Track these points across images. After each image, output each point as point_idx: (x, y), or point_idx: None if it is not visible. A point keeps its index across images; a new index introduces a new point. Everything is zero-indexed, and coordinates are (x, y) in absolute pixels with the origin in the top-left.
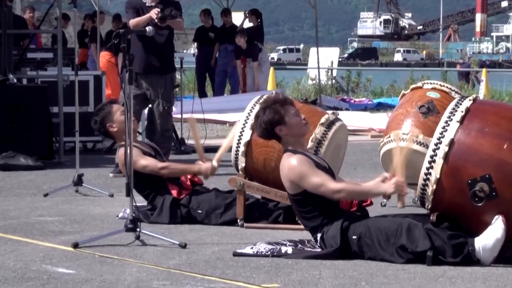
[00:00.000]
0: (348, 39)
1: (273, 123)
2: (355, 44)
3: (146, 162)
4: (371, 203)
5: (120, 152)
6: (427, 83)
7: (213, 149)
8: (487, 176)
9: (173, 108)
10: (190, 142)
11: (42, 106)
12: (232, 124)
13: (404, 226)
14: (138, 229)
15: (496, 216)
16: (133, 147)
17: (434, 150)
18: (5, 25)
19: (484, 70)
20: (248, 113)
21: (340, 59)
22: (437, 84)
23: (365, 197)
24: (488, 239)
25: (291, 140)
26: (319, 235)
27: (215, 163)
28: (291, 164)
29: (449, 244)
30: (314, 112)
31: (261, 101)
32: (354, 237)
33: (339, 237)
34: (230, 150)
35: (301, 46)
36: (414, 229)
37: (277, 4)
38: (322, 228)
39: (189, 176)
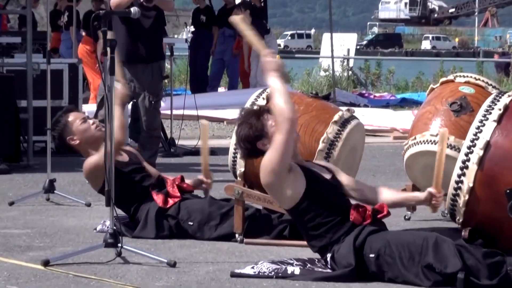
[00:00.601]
0: (368, 23)
1: (251, 140)
2: (375, 30)
3: (95, 156)
4: (388, 214)
5: (84, 166)
6: (460, 76)
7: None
8: None
9: (162, 103)
10: (181, 143)
11: (8, 99)
12: (230, 121)
13: (430, 241)
14: (119, 245)
15: None
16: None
17: (466, 155)
18: None
19: None
20: None
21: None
22: (471, 77)
23: (285, 90)
24: None
25: None
26: (329, 256)
27: (209, 180)
28: (261, 169)
29: (484, 263)
30: (326, 109)
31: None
32: (372, 255)
33: (353, 255)
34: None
35: (312, 31)
36: (442, 245)
37: None
38: (332, 246)
39: (176, 182)
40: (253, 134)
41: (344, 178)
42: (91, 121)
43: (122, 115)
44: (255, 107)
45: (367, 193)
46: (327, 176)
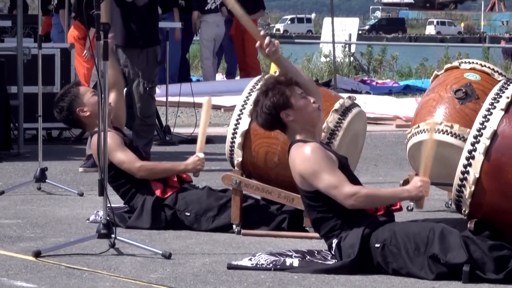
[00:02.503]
0: (370, 7)
1: (278, 107)
2: (378, 14)
3: (125, 157)
4: (401, 208)
5: (94, 140)
6: (465, 62)
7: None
8: None
9: (157, 90)
10: (177, 130)
11: None
12: (228, 109)
13: (436, 231)
14: (113, 235)
15: None
16: (112, 134)
17: (473, 144)
18: None
19: None
20: (246, 97)
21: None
22: (477, 63)
23: (384, 204)
24: None
25: (299, 128)
26: (335, 241)
27: (201, 154)
28: (305, 155)
29: (490, 256)
30: (326, 97)
31: (259, 84)
32: (377, 245)
33: (358, 246)
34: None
35: (313, 15)
36: (448, 236)
37: None
38: (340, 233)
39: None
40: (282, 102)
41: None
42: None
43: (167, 175)
44: (286, 77)
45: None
46: (345, 160)
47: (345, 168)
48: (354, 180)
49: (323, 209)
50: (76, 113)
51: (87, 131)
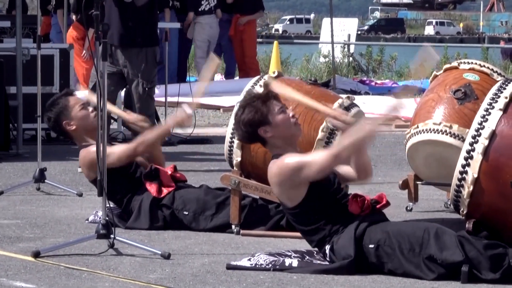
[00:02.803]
0: (369, 7)
1: (254, 124)
2: (377, 14)
3: (117, 151)
4: (388, 204)
5: (82, 154)
6: (464, 62)
7: (204, 140)
8: None
9: (156, 90)
10: (176, 130)
11: None
12: (226, 109)
13: (431, 232)
14: (112, 236)
15: None
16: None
17: (471, 144)
18: None
19: None
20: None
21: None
22: (476, 63)
23: (358, 143)
24: None
25: (279, 143)
26: (327, 247)
27: (188, 109)
28: (279, 165)
29: (485, 255)
30: (325, 97)
31: (239, 101)
32: (371, 245)
33: (353, 246)
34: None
35: (312, 15)
36: (443, 236)
37: None
38: (331, 238)
39: (169, 172)
40: (257, 119)
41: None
42: (90, 109)
43: (162, 137)
44: (261, 91)
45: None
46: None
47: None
48: (339, 185)
49: (310, 221)
50: (62, 125)
51: (76, 142)
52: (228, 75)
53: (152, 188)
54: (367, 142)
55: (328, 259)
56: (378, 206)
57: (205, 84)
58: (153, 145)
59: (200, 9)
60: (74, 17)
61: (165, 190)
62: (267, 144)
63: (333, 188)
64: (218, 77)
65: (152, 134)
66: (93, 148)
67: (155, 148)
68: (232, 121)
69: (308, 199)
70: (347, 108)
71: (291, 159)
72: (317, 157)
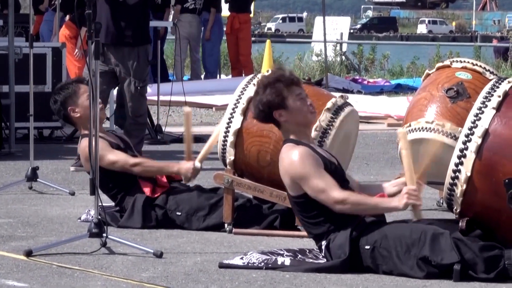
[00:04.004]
0: (362, 6)
1: (272, 106)
2: (370, 13)
3: (116, 157)
4: None
5: (83, 143)
6: (457, 61)
7: (196, 139)
8: None
9: (148, 89)
10: (168, 129)
11: None
12: (219, 108)
13: (428, 234)
14: (104, 235)
15: None
16: (99, 138)
17: (464, 143)
18: None
19: None
20: (239, 96)
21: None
22: (468, 62)
23: (372, 213)
24: None
25: (292, 128)
26: (324, 243)
27: (198, 164)
28: (292, 159)
29: (481, 256)
30: (318, 95)
31: (263, 76)
32: (367, 247)
33: (348, 246)
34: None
35: (304, 14)
36: (440, 238)
37: None
38: (329, 235)
39: None
40: (276, 102)
41: None
42: (99, 100)
43: (159, 174)
44: (288, 75)
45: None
46: (335, 161)
47: (334, 171)
48: (344, 182)
49: (312, 213)
50: (67, 110)
51: (77, 129)
52: (207, 74)
53: (146, 187)
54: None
55: (322, 254)
56: None
57: (191, 140)
58: (148, 176)
59: (184, 6)
60: (67, 17)
61: (159, 190)
62: (281, 127)
63: (341, 182)
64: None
65: (154, 167)
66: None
67: None
68: (226, 120)
69: None
70: (341, 107)
71: (307, 164)
72: (322, 187)
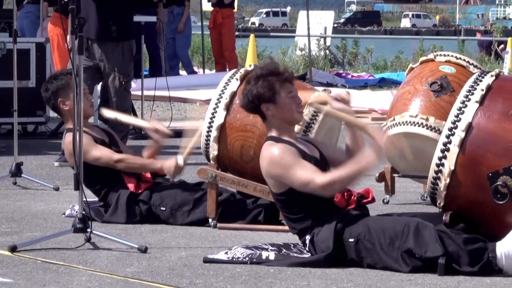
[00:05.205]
0: (345, 0)
1: (261, 99)
2: (353, 7)
3: (99, 153)
4: (373, 200)
5: (68, 138)
6: (440, 55)
7: (180, 134)
8: (511, 168)
9: (132, 84)
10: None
11: None
12: (203, 103)
13: (411, 226)
14: (88, 230)
15: None
16: (83, 133)
17: (448, 137)
18: None
19: (509, 39)
20: (222, 90)
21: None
22: (452, 56)
23: (362, 173)
24: (511, 244)
25: (277, 123)
26: (308, 237)
27: (181, 161)
28: (271, 156)
29: (465, 249)
30: (302, 90)
31: (257, 67)
32: (351, 240)
33: (332, 240)
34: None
35: (288, 8)
36: (423, 231)
37: None
38: (312, 229)
39: None
40: (266, 95)
41: (328, 153)
42: (89, 97)
43: (145, 171)
44: (283, 71)
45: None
46: (316, 155)
47: (321, 162)
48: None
49: (295, 210)
50: (57, 101)
51: (64, 122)
52: (185, 67)
53: (130, 183)
54: (367, 172)
55: (306, 249)
56: (363, 201)
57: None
58: (134, 171)
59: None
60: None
61: (143, 186)
62: (266, 121)
63: None
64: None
65: (138, 164)
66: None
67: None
68: (209, 114)
69: (295, 191)
70: (324, 101)
71: (283, 158)
72: (305, 176)
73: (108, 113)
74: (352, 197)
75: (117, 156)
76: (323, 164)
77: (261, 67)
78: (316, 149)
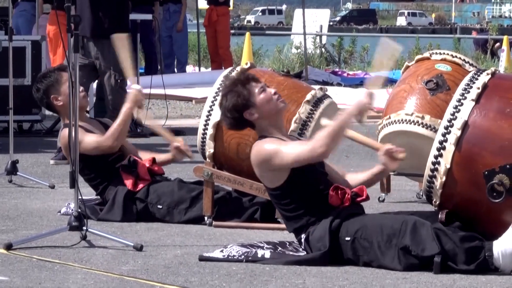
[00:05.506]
0: None
1: (239, 109)
2: (349, 5)
3: (90, 139)
4: (367, 198)
5: (64, 133)
6: (436, 53)
7: (176, 132)
8: (507, 166)
9: (128, 82)
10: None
11: None
12: (199, 101)
13: (409, 224)
14: (84, 228)
15: None
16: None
17: (444, 135)
18: None
19: (505, 38)
20: (218, 88)
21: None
22: (448, 54)
23: (346, 127)
24: (508, 243)
25: (265, 124)
26: (303, 236)
27: (136, 86)
28: (257, 147)
29: (461, 247)
30: (298, 88)
31: (221, 87)
32: (348, 238)
33: (328, 238)
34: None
35: (284, 7)
36: (420, 229)
37: None
38: (308, 228)
39: (147, 164)
40: (241, 103)
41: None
42: (80, 88)
43: (128, 121)
44: (240, 75)
45: (337, 178)
46: None
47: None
48: (322, 176)
49: (291, 206)
50: (50, 98)
51: (60, 118)
52: (179, 65)
53: (128, 181)
54: (344, 132)
55: (302, 247)
56: (358, 199)
57: (129, 63)
58: (123, 134)
59: None
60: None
61: (140, 184)
62: (255, 127)
63: (316, 178)
64: (190, 68)
65: (116, 124)
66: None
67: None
68: (205, 112)
69: (289, 183)
70: (320, 99)
71: (269, 145)
72: (294, 149)
73: (148, 121)
74: (346, 195)
75: (102, 137)
76: (319, 164)
77: (223, 86)
78: None
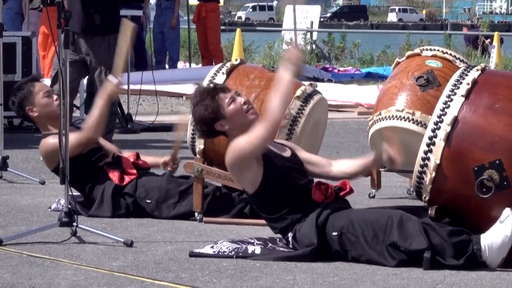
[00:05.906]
0: None
1: (208, 121)
2: (340, 1)
3: (72, 138)
4: (351, 191)
5: (43, 142)
6: (427, 49)
7: (166, 128)
8: (497, 162)
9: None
10: (139, 118)
11: None
12: (189, 97)
13: (395, 219)
14: (74, 224)
15: (506, 210)
16: (54, 136)
17: (433, 131)
18: None
19: (496, 34)
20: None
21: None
22: (438, 50)
23: (290, 89)
24: (495, 236)
25: (237, 133)
26: (290, 235)
27: (113, 79)
28: (228, 149)
29: (449, 242)
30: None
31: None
32: (335, 233)
33: (315, 234)
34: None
35: (275, 3)
36: (407, 223)
37: None
38: (294, 226)
39: (131, 159)
40: (209, 116)
41: (303, 155)
42: (55, 97)
43: (104, 113)
44: (209, 86)
45: (327, 167)
46: (287, 154)
47: (283, 164)
48: (302, 177)
49: (273, 209)
50: (25, 110)
51: (40, 129)
52: (170, 62)
53: (114, 176)
54: (290, 90)
55: (291, 246)
56: (341, 193)
57: (124, 57)
58: (102, 125)
59: None
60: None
61: (127, 178)
62: (229, 136)
63: (290, 173)
64: (181, 64)
65: (93, 116)
66: (51, 140)
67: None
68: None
69: (266, 183)
70: (310, 95)
71: (236, 140)
72: (255, 129)
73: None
74: (329, 190)
75: (81, 132)
76: (294, 162)
77: (191, 98)
78: (289, 150)
